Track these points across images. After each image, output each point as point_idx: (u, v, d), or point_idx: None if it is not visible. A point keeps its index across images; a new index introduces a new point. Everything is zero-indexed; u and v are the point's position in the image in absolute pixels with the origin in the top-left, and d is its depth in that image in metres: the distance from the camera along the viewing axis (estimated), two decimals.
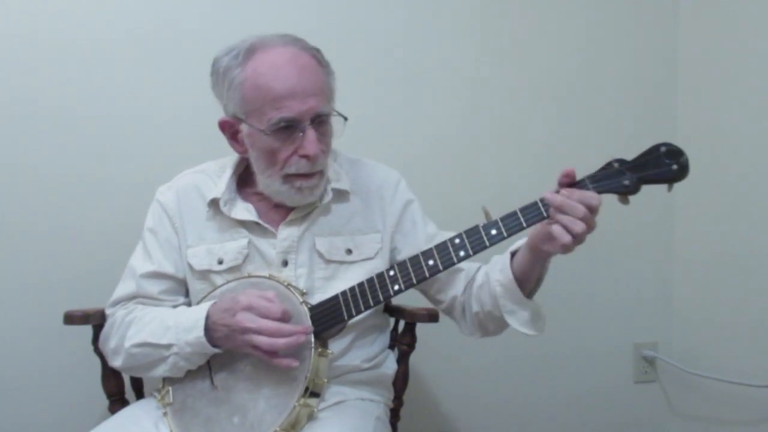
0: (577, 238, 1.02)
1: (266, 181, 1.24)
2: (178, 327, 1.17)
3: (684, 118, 1.99)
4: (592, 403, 2.01)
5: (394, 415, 1.43)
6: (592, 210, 1.02)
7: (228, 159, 1.35)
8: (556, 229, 1.02)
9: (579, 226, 1.01)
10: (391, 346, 1.46)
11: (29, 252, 1.67)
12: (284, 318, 1.11)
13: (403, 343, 1.44)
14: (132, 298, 1.30)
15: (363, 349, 1.31)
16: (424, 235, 1.33)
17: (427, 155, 1.87)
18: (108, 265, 1.52)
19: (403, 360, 1.44)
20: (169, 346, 1.17)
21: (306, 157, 1.18)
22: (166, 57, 1.73)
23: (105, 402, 1.42)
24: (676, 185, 1.03)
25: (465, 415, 1.94)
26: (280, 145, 1.18)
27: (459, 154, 1.91)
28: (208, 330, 1.14)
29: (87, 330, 1.41)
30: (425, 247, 1.15)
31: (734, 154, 1.84)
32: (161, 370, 1.20)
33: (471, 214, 1.14)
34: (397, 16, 1.87)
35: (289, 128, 1.17)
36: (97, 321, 1.40)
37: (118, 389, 1.41)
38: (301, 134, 1.17)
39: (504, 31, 1.94)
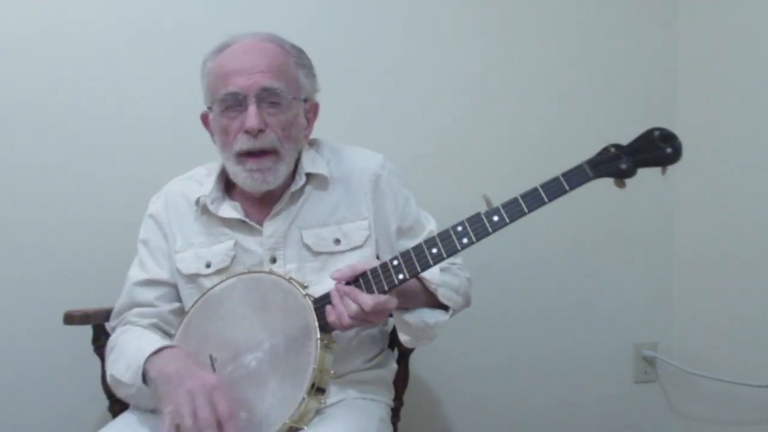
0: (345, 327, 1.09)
1: (227, 165, 1.26)
2: (132, 368, 1.14)
3: (683, 117, 1.98)
4: (592, 403, 2.01)
5: (395, 415, 1.43)
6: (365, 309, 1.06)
7: (217, 162, 1.35)
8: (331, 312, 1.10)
9: (346, 320, 1.08)
10: (391, 346, 1.46)
11: (29, 252, 1.67)
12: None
13: None
14: (128, 308, 1.30)
15: (363, 350, 1.31)
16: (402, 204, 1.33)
17: (427, 152, 1.87)
18: (108, 265, 1.53)
19: (403, 360, 1.44)
20: (131, 385, 1.14)
21: (247, 132, 1.19)
22: (167, 57, 1.73)
23: (105, 402, 1.42)
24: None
25: (465, 416, 1.94)
26: (229, 123, 1.21)
27: (459, 151, 1.90)
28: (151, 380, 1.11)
29: (87, 330, 1.41)
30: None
31: (734, 153, 1.84)
32: (143, 406, 1.18)
33: (471, 210, 1.13)
34: (396, 14, 1.86)
35: (236, 107, 1.20)
36: (97, 321, 1.41)
37: None
38: (246, 110, 1.20)
39: (503, 29, 1.93)
